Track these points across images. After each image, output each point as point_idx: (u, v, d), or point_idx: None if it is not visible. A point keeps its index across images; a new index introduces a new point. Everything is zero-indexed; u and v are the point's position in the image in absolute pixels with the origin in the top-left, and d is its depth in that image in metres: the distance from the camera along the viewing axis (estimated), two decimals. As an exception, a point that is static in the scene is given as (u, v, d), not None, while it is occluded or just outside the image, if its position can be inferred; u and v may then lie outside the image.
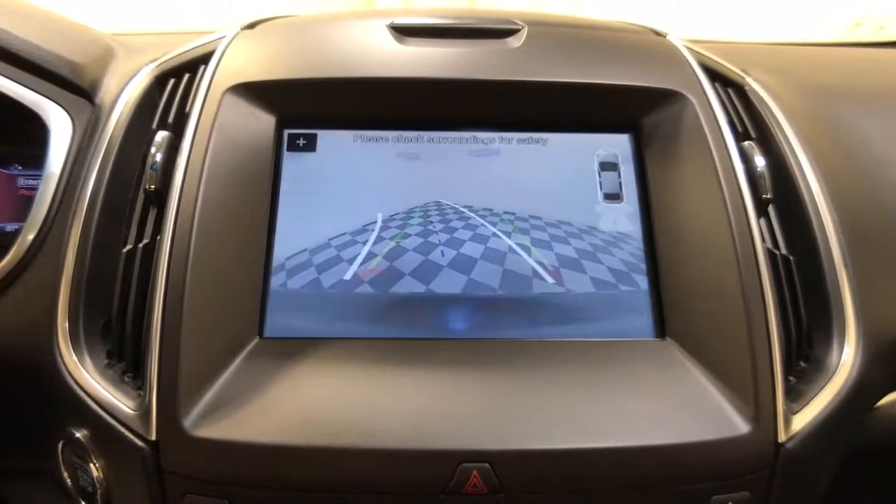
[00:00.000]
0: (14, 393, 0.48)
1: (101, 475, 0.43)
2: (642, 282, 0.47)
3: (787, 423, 0.42)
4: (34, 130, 0.55)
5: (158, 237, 0.45)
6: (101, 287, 0.47)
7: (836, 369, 0.45)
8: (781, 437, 0.41)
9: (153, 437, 0.40)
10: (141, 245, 0.46)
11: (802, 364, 0.46)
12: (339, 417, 0.40)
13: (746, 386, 0.41)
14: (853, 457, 0.51)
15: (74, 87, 0.55)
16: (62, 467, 0.46)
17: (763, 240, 0.47)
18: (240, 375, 0.42)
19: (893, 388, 0.52)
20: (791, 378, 0.45)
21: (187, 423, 0.40)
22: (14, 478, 0.61)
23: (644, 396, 0.42)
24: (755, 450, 0.41)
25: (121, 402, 0.42)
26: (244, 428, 0.39)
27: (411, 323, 0.45)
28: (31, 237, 0.50)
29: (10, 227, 0.65)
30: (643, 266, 0.47)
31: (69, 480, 0.46)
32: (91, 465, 0.43)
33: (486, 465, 0.38)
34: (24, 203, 0.65)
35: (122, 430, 0.41)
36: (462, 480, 0.38)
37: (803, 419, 0.42)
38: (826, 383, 0.44)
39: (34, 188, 0.65)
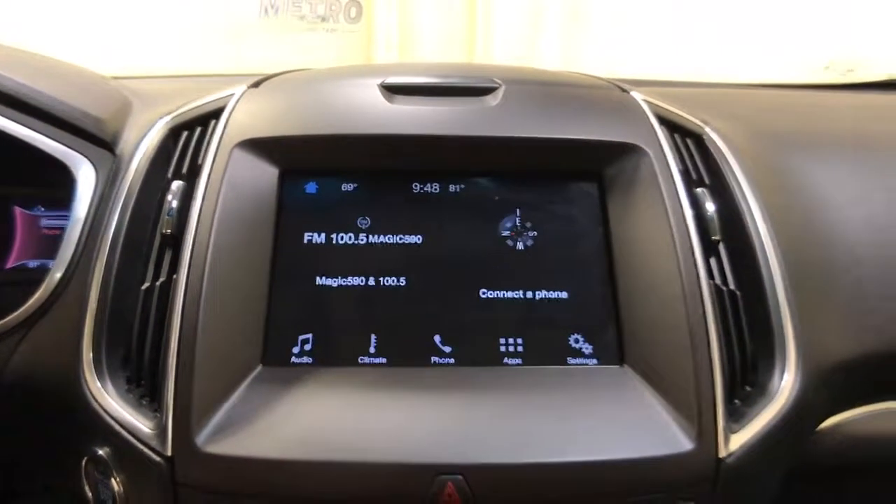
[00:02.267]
0: (42, 416, 0.54)
1: (122, 489, 0.49)
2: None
3: (727, 440, 0.47)
4: (55, 175, 0.61)
5: (175, 276, 0.51)
6: (121, 320, 0.52)
7: (776, 393, 0.50)
8: (721, 454, 0.47)
9: (169, 453, 0.46)
10: (158, 283, 0.52)
11: (748, 389, 0.52)
12: (333, 436, 0.46)
13: (691, 408, 0.47)
14: (800, 477, 0.56)
15: (98, 140, 0.61)
16: (84, 482, 0.51)
17: (711, 276, 0.53)
18: (246, 399, 0.48)
19: (833, 412, 0.57)
20: (736, 401, 0.51)
21: (199, 440, 0.45)
22: (32, 498, 0.66)
23: (602, 417, 0.47)
24: (699, 464, 0.46)
25: (140, 423, 0.48)
26: (250, 445, 0.45)
27: (398, 351, 0.51)
28: (58, 275, 0.56)
29: (32, 264, 0.70)
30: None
31: (91, 494, 0.51)
32: (112, 479, 0.49)
33: (460, 476, 0.44)
34: (46, 242, 0.71)
35: (141, 447, 0.47)
36: (439, 491, 0.44)
37: (742, 437, 0.48)
38: (766, 405, 0.50)
39: (55, 228, 0.71)
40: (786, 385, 0.51)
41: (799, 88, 1.01)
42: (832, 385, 0.54)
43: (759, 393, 0.51)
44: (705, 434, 0.46)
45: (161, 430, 0.46)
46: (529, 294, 0.54)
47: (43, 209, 0.72)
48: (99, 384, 0.50)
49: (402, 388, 0.49)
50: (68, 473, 0.54)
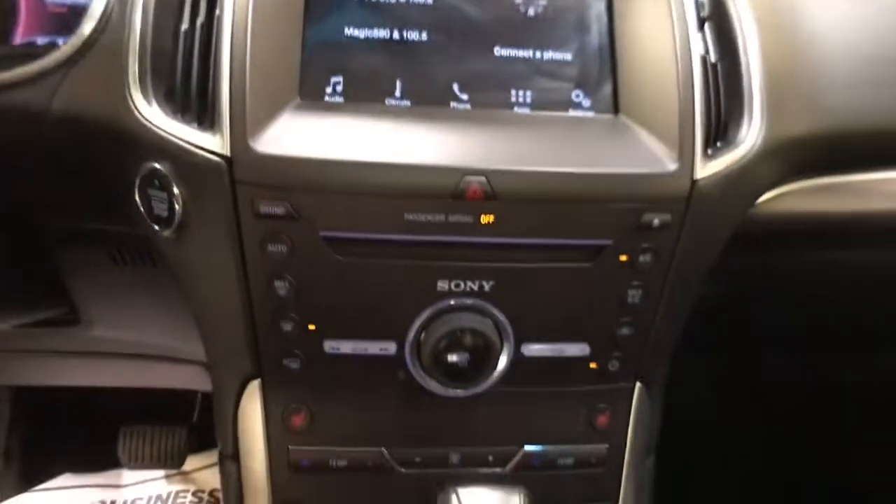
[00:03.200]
0: (90, 148, 0.58)
1: (180, 197, 0.54)
2: None
3: (702, 167, 0.57)
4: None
5: (217, 13, 0.55)
6: (161, 59, 0.56)
7: (742, 142, 0.60)
8: (697, 176, 0.57)
9: (228, 154, 0.52)
10: (199, 22, 0.56)
11: (719, 144, 0.61)
12: (374, 143, 0.53)
13: (675, 141, 0.56)
14: (738, 242, 0.67)
15: None
16: (138, 201, 0.57)
17: (699, 48, 0.60)
18: (290, 118, 0.53)
19: (778, 183, 0.68)
20: (709, 150, 0.60)
21: (255, 143, 0.51)
22: (76, 240, 0.71)
23: (601, 144, 0.56)
24: (678, 182, 0.56)
25: (196, 133, 0.53)
26: (300, 148, 0.52)
27: (420, 95, 0.57)
28: (93, 23, 0.58)
29: (41, 41, 0.71)
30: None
31: (144, 210, 0.57)
32: (170, 191, 0.54)
33: (483, 178, 0.52)
34: (54, 19, 0.72)
35: (200, 151, 0.52)
36: (465, 188, 0.52)
37: (713, 168, 0.58)
38: (733, 150, 0.60)
39: (62, 5, 0.72)
40: (750, 139, 0.60)
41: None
42: (785, 155, 0.64)
43: (728, 144, 0.61)
44: (685, 159, 0.56)
45: (219, 136, 0.52)
46: (538, 54, 0.60)
47: (48, -18, 0.72)
48: (150, 106, 0.54)
49: (428, 120, 0.56)
50: (114, 205, 0.59)
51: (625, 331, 0.61)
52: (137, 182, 0.56)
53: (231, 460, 0.65)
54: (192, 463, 1.23)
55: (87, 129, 0.57)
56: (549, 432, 0.65)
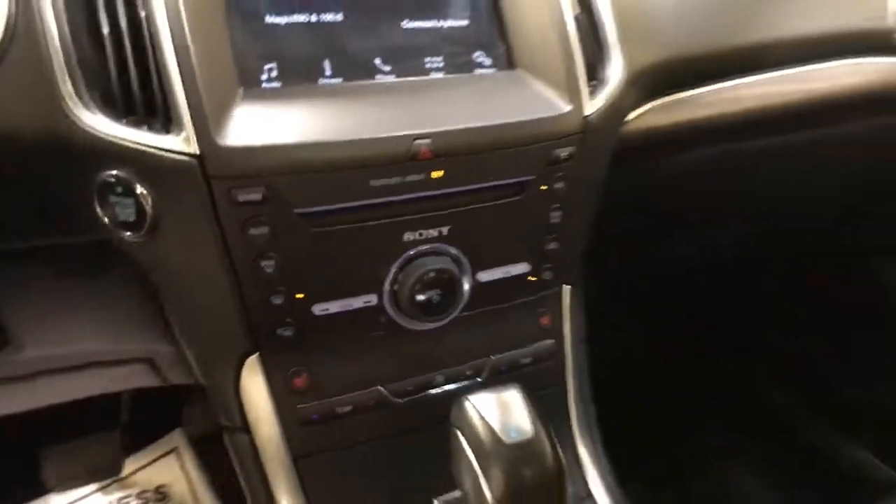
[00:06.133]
0: (33, 164, 0.57)
1: (149, 199, 0.56)
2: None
3: (589, 104, 0.70)
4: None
5: (144, 13, 0.55)
6: (89, 67, 0.56)
7: (611, 79, 0.73)
8: (586, 112, 0.69)
9: (198, 152, 0.54)
10: (122, 25, 0.56)
11: (593, 82, 0.74)
12: (335, 124, 0.59)
13: (564, 87, 0.68)
14: (622, 156, 0.81)
15: None
16: (99, 210, 0.58)
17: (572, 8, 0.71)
18: (243, 109, 0.57)
19: (639, 104, 0.82)
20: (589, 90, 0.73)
21: (221, 138, 0.55)
22: (7, 261, 0.69)
23: (509, 97, 0.67)
24: (573, 120, 0.68)
25: (155, 136, 0.55)
26: (266, 135, 0.56)
27: (349, 71, 0.63)
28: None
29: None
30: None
31: (108, 220, 0.58)
32: (135, 196, 0.56)
33: (429, 140, 0.61)
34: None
35: (166, 154, 0.54)
36: (417, 150, 0.60)
37: (596, 104, 0.71)
38: (606, 86, 0.73)
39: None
40: (615, 74, 0.74)
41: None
42: (641, 81, 0.79)
43: (600, 83, 0.74)
44: (576, 101, 0.68)
45: (184, 136, 0.54)
46: (441, 23, 0.68)
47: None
48: (93, 114, 0.55)
49: (363, 94, 0.63)
50: (66, 219, 0.59)
51: (552, 246, 0.74)
52: (96, 191, 0.57)
53: (241, 432, 0.70)
54: (130, 465, 1.21)
55: (24, 146, 0.56)
56: (508, 340, 0.78)
